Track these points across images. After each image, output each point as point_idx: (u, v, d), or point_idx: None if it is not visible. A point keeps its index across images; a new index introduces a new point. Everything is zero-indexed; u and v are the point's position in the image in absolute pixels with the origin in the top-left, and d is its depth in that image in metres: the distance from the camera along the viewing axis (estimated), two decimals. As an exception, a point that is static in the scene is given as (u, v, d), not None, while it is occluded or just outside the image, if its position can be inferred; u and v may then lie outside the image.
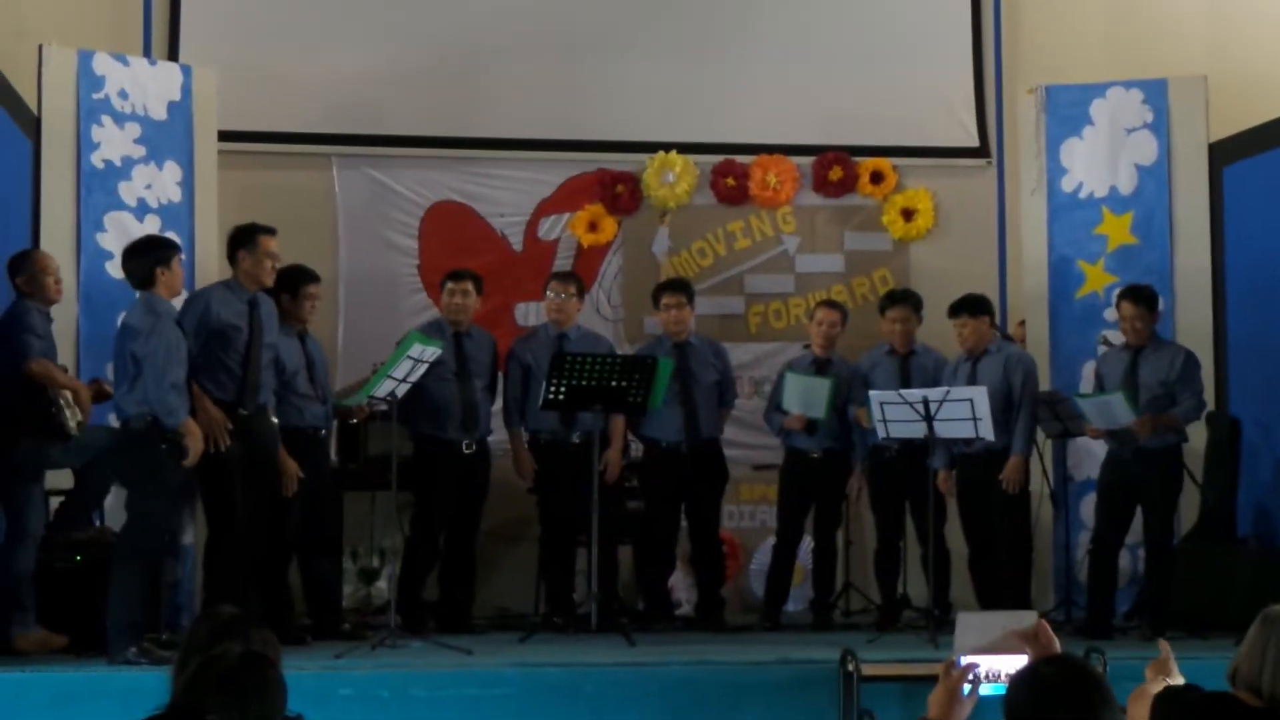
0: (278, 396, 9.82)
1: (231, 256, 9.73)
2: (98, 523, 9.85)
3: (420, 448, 10.39)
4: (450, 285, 10.73)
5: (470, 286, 10.76)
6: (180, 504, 9.17)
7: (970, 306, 10.68)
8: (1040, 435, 10.88)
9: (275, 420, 9.69)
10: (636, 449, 11.25)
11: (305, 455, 9.91)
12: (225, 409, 9.37)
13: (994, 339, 10.71)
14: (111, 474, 9.46)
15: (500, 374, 10.97)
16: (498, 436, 11.24)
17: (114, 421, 9.11)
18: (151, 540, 8.81)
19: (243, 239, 9.69)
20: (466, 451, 10.56)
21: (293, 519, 9.84)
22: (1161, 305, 10.58)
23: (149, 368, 8.66)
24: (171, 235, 10.36)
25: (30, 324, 9.06)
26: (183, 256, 9.16)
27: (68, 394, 9.07)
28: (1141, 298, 10.39)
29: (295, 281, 10.15)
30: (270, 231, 9.73)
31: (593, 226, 12.62)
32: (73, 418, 9.04)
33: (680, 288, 11.23)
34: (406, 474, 9.98)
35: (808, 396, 10.85)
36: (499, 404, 11.06)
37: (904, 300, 11.16)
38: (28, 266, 9.29)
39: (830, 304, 11.50)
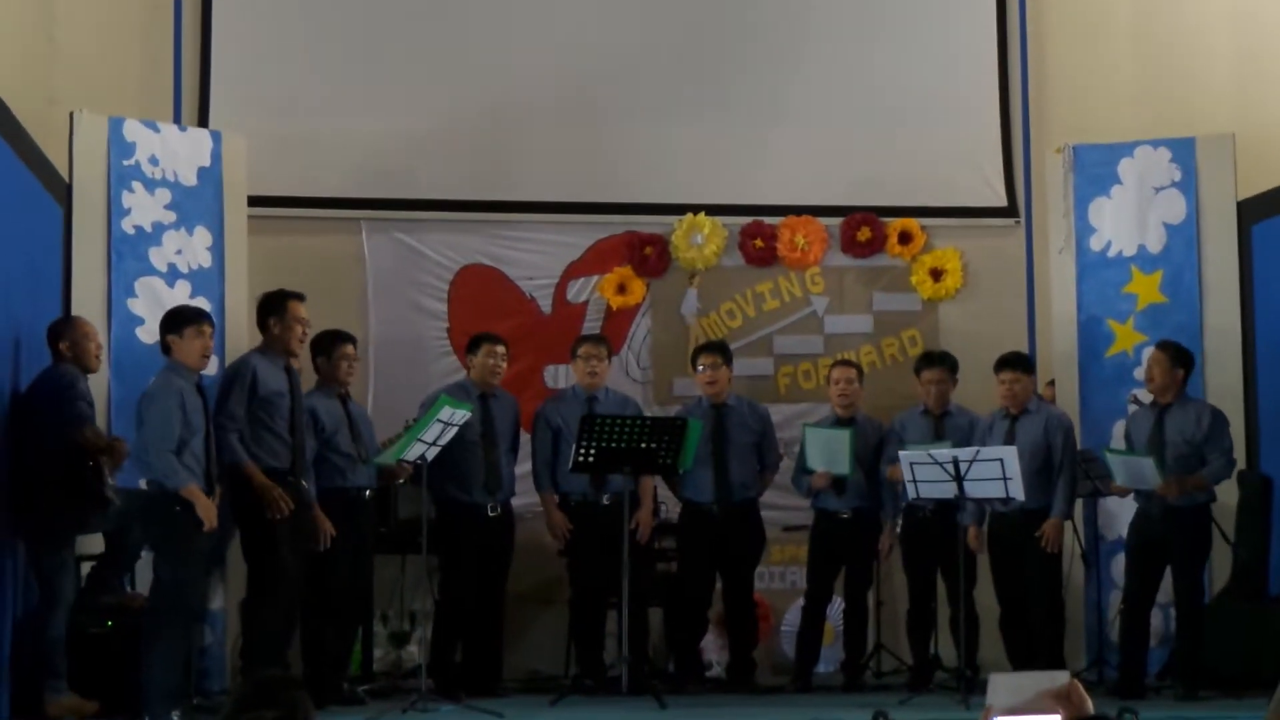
0: (319, 458, 9.87)
1: (262, 324, 9.80)
2: (129, 587, 9.86)
3: (445, 511, 10.39)
4: (487, 347, 10.76)
5: (504, 350, 10.82)
6: (207, 567, 9.18)
7: (1024, 363, 10.79)
8: (1072, 494, 10.86)
9: (308, 485, 9.73)
10: (666, 510, 11.24)
11: (348, 516, 9.94)
12: (279, 476, 9.48)
13: (1032, 398, 10.71)
14: (142, 538, 9.51)
15: (526, 436, 11.03)
16: (526, 499, 11.27)
17: (141, 483, 9.18)
18: (182, 604, 8.83)
19: (272, 306, 9.77)
20: (491, 515, 10.57)
21: (338, 580, 9.86)
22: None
23: (148, 432, 8.77)
24: (201, 300, 10.43)
25: (82, 391, 9.15)
26: (205, 327, 9.18)
27: (106, 459, 9.12)
28: (1167, 348, 10.46)
29: (330, 343, 10.24)
30: (299, 297, 9.81)
31: (621, 288, 12.61)
32: (112, 483, 9.09)
33: (716, 349, 11.27)
34: (436, 537, 10.02)
35: (829, 451, 10.85)
36: (524, 467, 11.09)
37: (940, 362, 11.18)
38: (71, 333, 9.36)
39: (844, 363, 11.54)
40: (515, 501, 11.07)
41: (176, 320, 9.15)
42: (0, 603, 8.73)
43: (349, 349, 10.34)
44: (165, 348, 9.08)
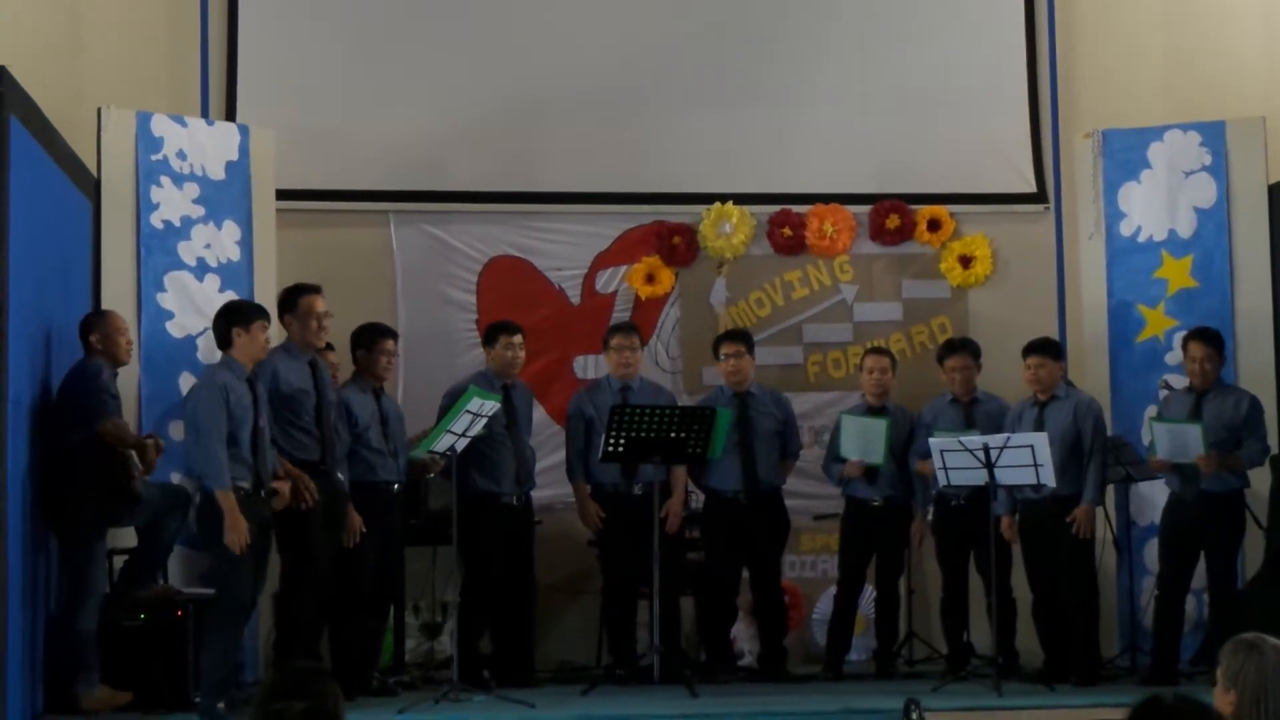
0: (351, 452, 9.89)
1: (282, 321, 9.81)
2: (161, 580, 9.89)
3: (470, 502, 10.34)
4: (505, 338, 10.77)
5: (521, 339, 10.82)
6: (258, 560, 9.16)
7: (1051, 348, 10.73)
8: (1103, 481, 10.83)
9: (343, 477, 9.74)
10: (696, 500, 11.24)
11: (378, 511, 9.95)
12: (310, 468, 9.48)
13: (1061, 384, 10.68)
14: (174, 532, 9.55)
15: (540, 425, 11.08)
16: (557, 490, 11.28)
17: (174, 478, 9.19)
18: (234, 598, 8.87)
19: (286, 303, 9.79)
20: (515, 504, 10.61)
21: (365, 573, 9.88)
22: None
23: (189, 432, 8.82)
24: (230, 294, 10.44)
25: (105, 383, 9.16)
26: (265, 322, 9.21)
27: (134, 454, 9.14)
28: (1211, 339, 10.42)
29: (371, 337, 10.26)
30: (313, 290, 9.78)
31: (650, 278, 12.59)
32: (140, 477, 9.10)
33: (739, 337, 11.27)
34: (464, 528, 10.02)
35: (865, 439, 10.86)
36: (550, 459, 11.11)
37: (963, 348, 11.17)
38: (102, 326, 9.40)
39: (877, 350, 11.53)
40: (545, 493, 11.09)
41: (243, 313, 9.15)
42: (33, 597, 8.75)
43: (389, 344, 10.36)
44: (226, 341, 9.04)
